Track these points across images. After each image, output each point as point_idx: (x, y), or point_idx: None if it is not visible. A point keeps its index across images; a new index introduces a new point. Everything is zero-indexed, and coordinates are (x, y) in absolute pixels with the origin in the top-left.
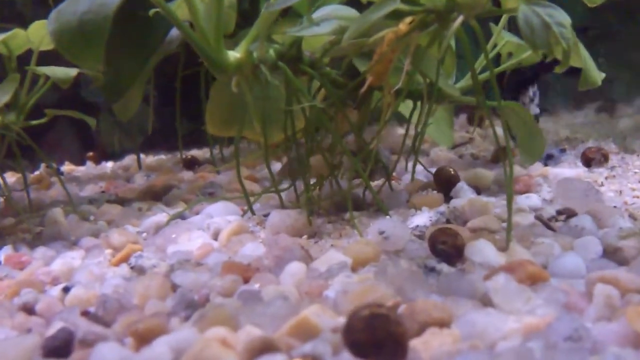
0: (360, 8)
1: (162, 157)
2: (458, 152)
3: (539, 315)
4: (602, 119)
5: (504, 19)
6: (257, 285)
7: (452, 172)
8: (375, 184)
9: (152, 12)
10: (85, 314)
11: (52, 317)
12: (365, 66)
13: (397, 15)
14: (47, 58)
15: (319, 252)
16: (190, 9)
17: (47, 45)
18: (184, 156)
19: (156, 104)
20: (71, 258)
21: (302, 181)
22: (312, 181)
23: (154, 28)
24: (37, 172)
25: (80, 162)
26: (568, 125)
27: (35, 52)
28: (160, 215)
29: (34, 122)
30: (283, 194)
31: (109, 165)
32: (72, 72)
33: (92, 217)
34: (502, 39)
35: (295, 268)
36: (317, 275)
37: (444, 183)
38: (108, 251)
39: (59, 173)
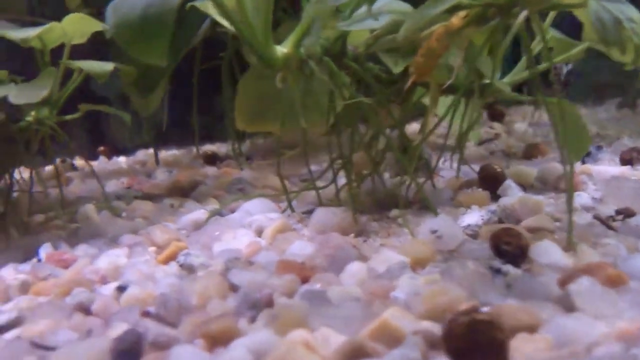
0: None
1: (175, 152)
2: (487, 148)
3: (628, 319)
4: (625, 115)
5: (552, 14)
6: (318, 285)
7: (498, 170)
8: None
9: (188, 5)
10: (145, 314)
11: (109, 317)
12: (395, 62)
13: (451, 10)
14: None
15: (370, 251)
16: (238, 3)
17: (80, 39)
18: (203, 151)
19: (168, 99)
20: (116, 256)
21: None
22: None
23: (186, 23)
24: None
25: (91, 156)
26: (593, 121)
27: (68, 46)
28: (197, 212)
29: (68, 117)
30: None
31: (122, 160)
32: (109, 66)
33: (124, 214)
34: (548, 33)
35: (356, 268)
36: (377, 276)
37: (490, 181)
38: (151, 249)
39: (73, 168)
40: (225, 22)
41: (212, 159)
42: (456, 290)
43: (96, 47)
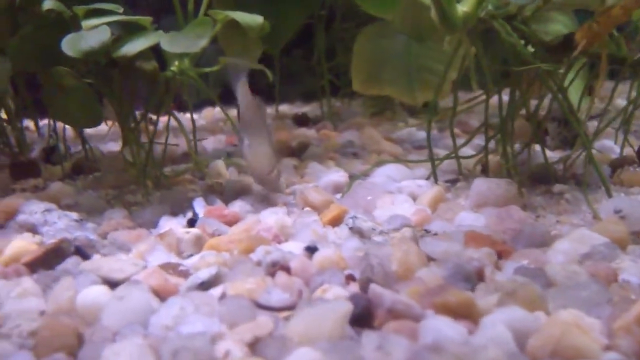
0: None
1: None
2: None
3: None
4: None
5: None
6: (525, 262)
7: None
8: (554, 154)
9: None
10: (350, 278)
11: (310, 278)
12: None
13: None
14: None
15: (550, 228)
16: None
17: None
18: (294, 113)
19: None
20: (277, 214)
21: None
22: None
23: None
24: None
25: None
26: None
27: None
28: (334, 174)
29: (207, 70)
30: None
31: (192, 117)
32: (260, 18)
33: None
34: None
35: (566, 246)
36: (586, 255)
37: None
38: (307, 209)
39: (153, 123)
40: None
41: (303, 121)
42: None
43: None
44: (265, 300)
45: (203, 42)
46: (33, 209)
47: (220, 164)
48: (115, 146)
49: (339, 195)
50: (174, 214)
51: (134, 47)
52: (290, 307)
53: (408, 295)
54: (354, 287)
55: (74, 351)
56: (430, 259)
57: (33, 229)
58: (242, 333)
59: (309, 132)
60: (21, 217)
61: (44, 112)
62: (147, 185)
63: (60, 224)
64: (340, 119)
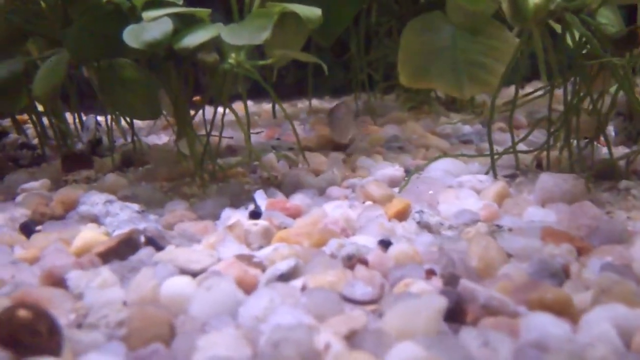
0: None
1: (269, 105)
2: None
3: None
4: None
5: None
6: (609, 258)
7: None
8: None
9: None
10: (430, 272)
11: (388, 272)
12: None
13: None
14: None
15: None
16: None
17: None
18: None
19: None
20: (346, 208)
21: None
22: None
23: None
24: None
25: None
26: None
27: None
28: (388, 169)
29: (262, 62)
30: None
31: (246, 109)
32: (318, 11)
33: (300, 165)
34: None
35: None
36: None
37: None
38: (368, 202)
39: None
40: None
41: None
42: None
43: None
44: (350, 293)
45: (266, 34)
46: (94, 200)
47: (272, 157)
48: (157, 139)
49: (395, 189)
50: (235, 206)
51: (195, 39)
52: (375, 301)
53: (498, 291)
54: (436, 282)
55: (168, 341)
56: (508, 255)
57: (96, 220)
58: (337, 326)
59: None
60: (83, 208)
61: (84, 105)
62: (204, 177)
63: (122, 215)
64: (376, 114)
